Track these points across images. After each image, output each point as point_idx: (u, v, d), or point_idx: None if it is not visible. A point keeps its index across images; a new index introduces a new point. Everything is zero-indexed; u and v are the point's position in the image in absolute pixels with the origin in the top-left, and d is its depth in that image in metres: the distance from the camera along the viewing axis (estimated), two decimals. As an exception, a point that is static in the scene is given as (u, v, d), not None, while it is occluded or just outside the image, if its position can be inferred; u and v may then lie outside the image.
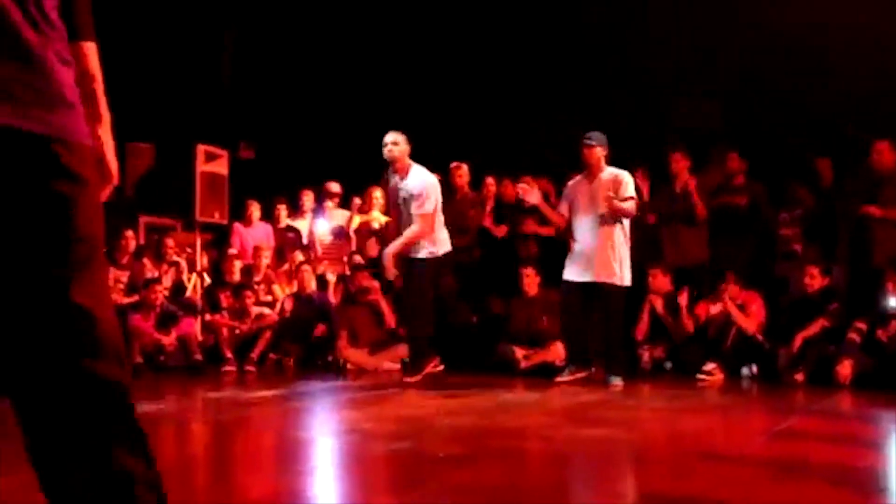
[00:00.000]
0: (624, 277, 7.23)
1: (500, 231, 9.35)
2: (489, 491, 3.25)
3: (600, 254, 7.16)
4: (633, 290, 7.75)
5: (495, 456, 4.05)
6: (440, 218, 7.51)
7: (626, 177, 7.27)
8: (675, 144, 8.71)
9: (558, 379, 7.29)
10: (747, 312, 7.79)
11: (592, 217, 7.23)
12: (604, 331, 7.30)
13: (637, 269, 7.67)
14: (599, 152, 7.28)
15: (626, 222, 7.29)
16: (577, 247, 7.33)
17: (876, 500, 3.25)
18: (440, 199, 7.54)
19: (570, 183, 7.62)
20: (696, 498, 3.16)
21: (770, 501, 3.15)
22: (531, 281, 8.45)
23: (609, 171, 7.31)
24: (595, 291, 7.22)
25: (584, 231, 7.27)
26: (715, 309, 7.98)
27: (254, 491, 3.55)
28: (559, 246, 8.05)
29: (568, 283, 7.35)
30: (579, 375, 7.25)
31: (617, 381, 7.04)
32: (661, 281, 8.26)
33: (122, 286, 9.20)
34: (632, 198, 7.24)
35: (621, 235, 7.24)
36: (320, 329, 9.19)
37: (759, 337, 7.75)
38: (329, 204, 10.47)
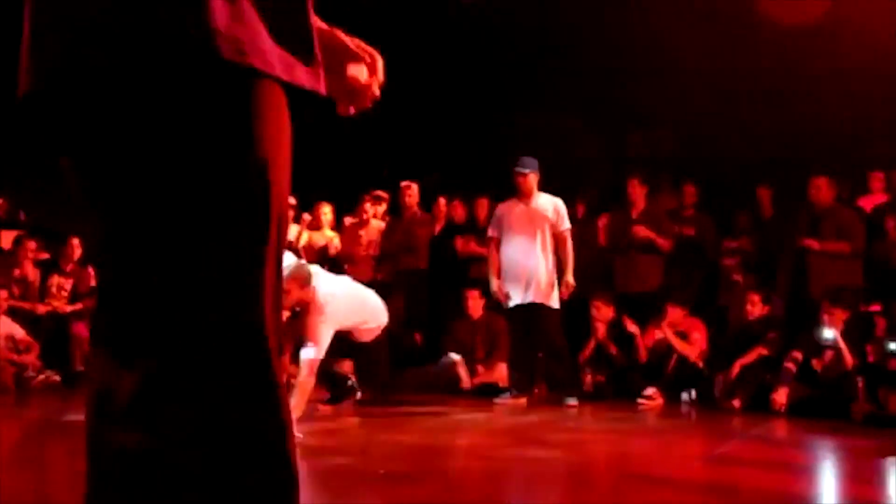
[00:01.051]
0: (555, 300, 7.40)
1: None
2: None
3: (539, 276, 7.30)
4: (579, 311, 7.94)
5: (436, 474, 4.09)
6: None
7: (562, 207, 7.51)
8: (632, 171, 8.82)
9: (497, 401, 7.36)
10: (690, 339, 7.91)
11: (529, 239, 7.36)
12: (548, 352, 7.42)
13: (583, 294, 7.85)
14: (532, 179, 7.46)
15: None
16: (511, 269, 7.42)
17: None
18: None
19: (501, 206, 7.74)
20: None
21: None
22: (475, 303, 8.53)
23: (545, 199, 7.51)
24: (533, 313, 7.33)
25: (519, 253, 7.38)
26: (657, 335, 8.09)
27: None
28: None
29: (511, 310, 7.46)
30: (520, 400, 7.34)
31: (572, 401, 7.15)
32: (604, 311, 8.36)
33: (65, 293, 9.11)
34: (569, 229, 7.50)
35: (552, 259, 7.41)
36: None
37: (700, 363, 7.88)
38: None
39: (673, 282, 8.48)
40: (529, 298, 7.31)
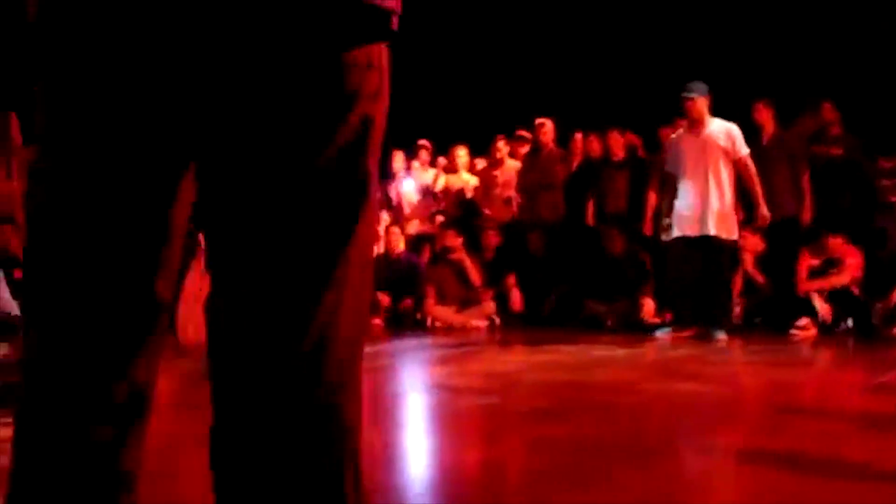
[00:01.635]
0: (734, 231, 7.17)
1: None
2: (574, 443, 3.24)
3: (715, 208, 7.04)
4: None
5: (582, 410, 4.04)
6: None
7: (736, 131, 7.15)
8: (759, 95, 8.42)
9: (658, 335, 7.26)
10: (845, 265, 7.59)
11: (704, 171, 7.10)
12: (710, 285, 7.20)
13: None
14: (702, 104, 7.13)
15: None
16: (686, 203, 7.20)
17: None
18: None
19: (673, 137, 7.51)
20: (787, 452, 3.11)
21: (861, 456, 3.08)
22: (615, 240, 8.39)
23: (718, 124, 7.16)
24: (705, 246, 7.12)
25: (695, 186, 7.14)
26: (812, 262, 7.80)
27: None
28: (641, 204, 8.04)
29: (678, 239, 7.26)
30: (684, 334, 7.19)
31: (721, 336, 6.96)
32: (751, 241, 8.09)
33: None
34: (748, 155, 7.15)
35: (731, 189, 7.13)
36: (407, 290, 9.24)
37: (856, 291, 7.56)
38: (416, 164, 10.52)
39: (820, 205, 8.12)
40: (703, 231, 7.09)
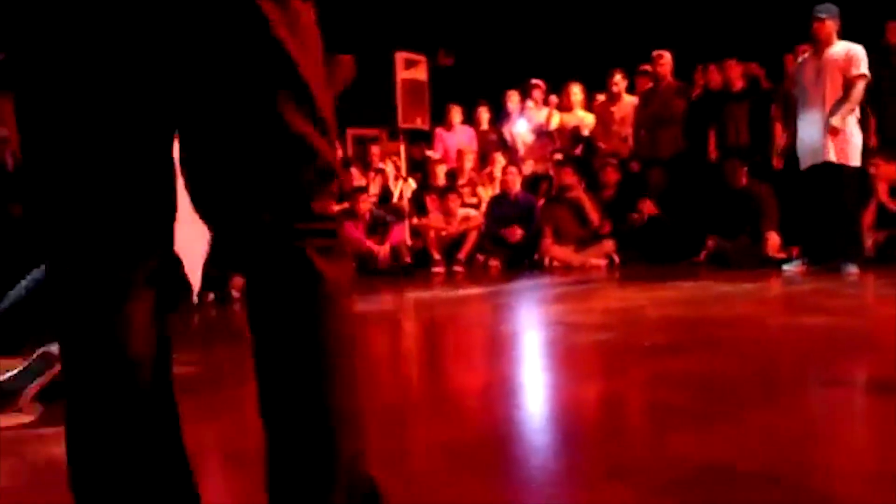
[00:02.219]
0: (856, 157, 6.84)
1: None
2: (698, 379, 3.15)
3: (832, 133, 6.76)
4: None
5: (703, 344, 3.93)
6: None
7: (858, 51, 6.78)
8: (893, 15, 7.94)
9: (786, 269, 7.04)
10: None
11: (822, 95, 6.82)
12: (836, 216, 6.90)
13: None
14: (830, 26, 6.84)
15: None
16: (806, 130, 6.96)
17: None
18: None
19: (799, 60, 7.24)
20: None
21: None
22: (737, 173, 8.11)
23: (840, 46, 6.85)
24: (827, 175, 6.84)
25: (814, 111, 6.88)
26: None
27: (466, 379, 3.62)
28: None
29: (802, 170, 7.02)
30: (812, 268, 6.95)
31: (852, 269, 6.69)
32: (884, 169, 7.71)
33: (332, 195, 9.50)
34: (862, 76, 6.76)
35: (852, 113, 6.81)
36: (524, 230, 9.15)
37: None
38: (530, 103, 10.38)
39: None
40: (823, 159, 6.82)
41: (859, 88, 6.76)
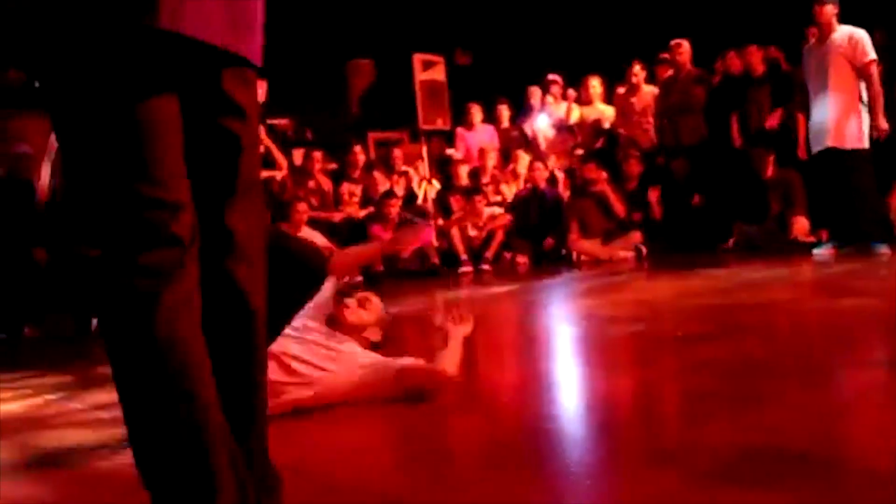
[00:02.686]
0: (862, 138, 6.79)
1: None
2: (735, 365, 3.15)
3: (834, 118, 6.76)
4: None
5: (740, 331, 3.92)
6: None
7: (862, 36, 6.77)
8: None
9: (816, 253, 7.01)
10: None
11: (824, 80, 6.82)
12: (851, 198, 6.87)
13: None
14: (830, 10, 6.82)
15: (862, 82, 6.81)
16: (814, 115, 6.97)
17: None
18: None
19: (806, 47, 7.21)
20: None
21: None
22: (763, 158, 8.08)
23: (842, 31, 6.83)
24: (834, 158, 6.82)
25: (819, 96, 6.88)
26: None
27: (500, 374, 3.64)
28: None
29: (817, 154, 7.01)
30: (843, 251, 6.93)
31: (883, 249, 6.65)
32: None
33: (356, 199, 9.55)
34: (873, 61, 6.74)
35: (854, 97, 6.78)
36: (552, 226, 9.16)
37: None
38: (549, 99, 10.39)
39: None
40: (827, 144, 6.82)
41: (875, 74, 6.75)
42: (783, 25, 8.84)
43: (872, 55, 6.76)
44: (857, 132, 6.78)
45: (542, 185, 9.43)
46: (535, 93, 10.49)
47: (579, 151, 9.73)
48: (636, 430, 2.49)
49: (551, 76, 10.45)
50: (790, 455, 2.02)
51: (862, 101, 6.82)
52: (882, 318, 4.00)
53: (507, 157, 10.42)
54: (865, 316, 4.12)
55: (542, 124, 10.34)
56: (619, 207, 8.77)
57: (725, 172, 8.53)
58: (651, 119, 9.27)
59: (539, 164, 9.59)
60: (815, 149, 6.98)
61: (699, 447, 2.15)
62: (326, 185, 9.49)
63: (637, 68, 9.39)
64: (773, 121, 8.09)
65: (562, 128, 10.18)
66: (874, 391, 2.68)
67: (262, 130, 9.34)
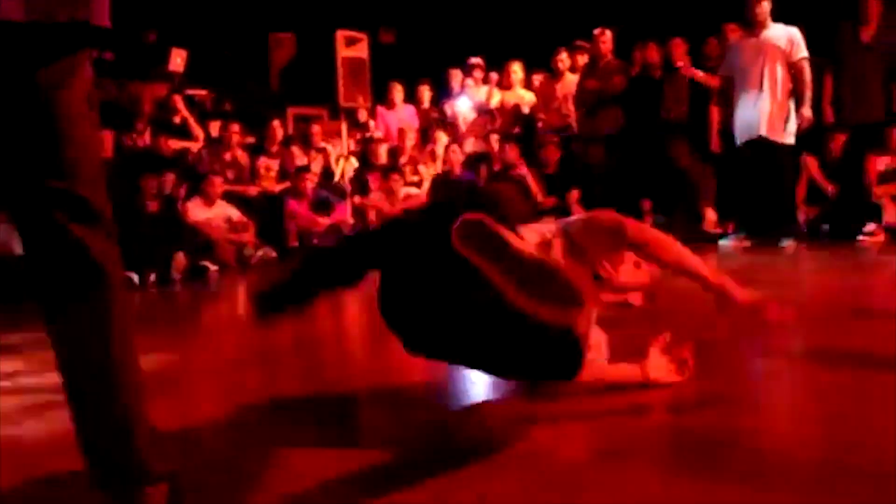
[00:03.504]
0: (791, 135, 7.07)
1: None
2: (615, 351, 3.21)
3: (769, 110, 7.00)
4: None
5: (644, 320, 3.99)
6: None
7: (798, 34, 7.07)
8: None
9: (722, 244, 7.21)
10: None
11: (760, 74, 7.05)
12: (772, 191, 7.11)
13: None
14: (766, 7, 7.06)
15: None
16: (742, 107, 7.18)
17: None
18: None
19: (734, 39, 7.42)
20: (855, 352, 3.08)
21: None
22: (678, 149, 8.25)
23: (778, 28, 7.11)
24: (763, 149, 7.01)
25: (751, 89, 7.10)
26: (880, 165, 7.61)
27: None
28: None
29: (739, 146, 7.26)
30: (746, 244, 7.14)
31: (788, 242, 6.89)
32: (836, 143, 7.94)
33: (273, 174, 9.47)
34: (806, 58, 7.05)
35: (787, 92, 7.06)
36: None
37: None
38: (469, 81, 10.43)
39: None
40: (758, 134, 7.05)
41: (808, 71, 7.00)
42: (693, 21, 9.04)
43: (806, 53, 7.04)
44: (788, 127, 7.04)
45: (458, 169, 9.48)
46: (457, 75, 10.52)
47: (494, 136, 9.79)
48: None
49: (473, 59, 10.49)
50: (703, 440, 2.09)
51: (792, 97, 7.05)
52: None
53: (426, 137, 10.43)
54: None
55: (462, 107, 10.37)
56: (537, 192, 8.86)
57: (640, 162, 8.68)
58: (572, 107, 9.36)
59: (455, 148, 9.63)
60: (742, 139, 7.17)
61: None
62: (243, 158, 9.37)
63: (563, 55, 9.48)
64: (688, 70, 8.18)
65: (482, 111, 10.24)
66: (775, 379, 2.77)
67: (179, 100, 9.20)
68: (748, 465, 1.90)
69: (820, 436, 2.15)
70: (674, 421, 2.30)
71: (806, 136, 7.97)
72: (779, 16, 7.20)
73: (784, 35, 7.05)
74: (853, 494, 1.71)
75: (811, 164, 8.00)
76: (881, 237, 7.30)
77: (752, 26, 7.16)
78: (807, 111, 7.07)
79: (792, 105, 7.10)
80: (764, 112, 7.00)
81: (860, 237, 7.32)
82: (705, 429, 2.18)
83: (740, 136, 7.19)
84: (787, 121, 7.07)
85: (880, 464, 1.85)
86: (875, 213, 7.47)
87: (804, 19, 7.50)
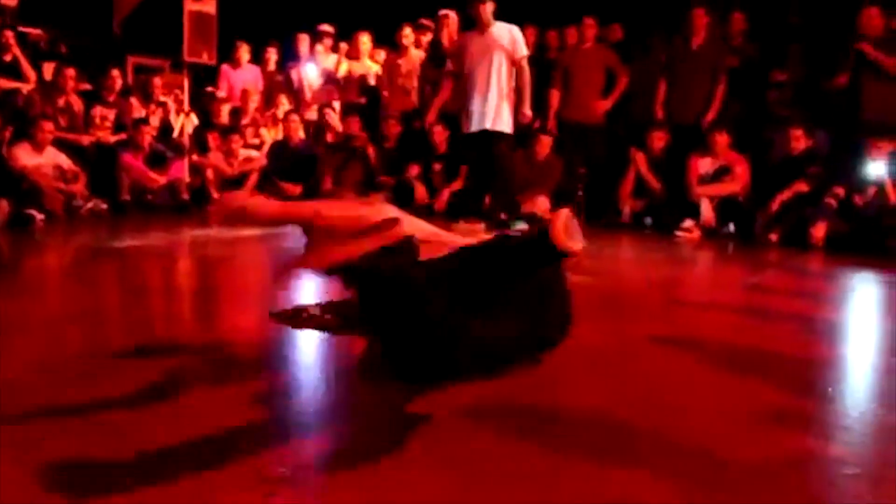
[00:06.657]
0: (511, 124, 7.49)
1: None
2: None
3: (495, 103, 7.39)
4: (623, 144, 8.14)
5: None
6: None
7: (519, 33, 7.47)
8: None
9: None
10: (735, 174, 7.87)
11: (487, 68, 7.38)
12: (494, 177, 7.60)
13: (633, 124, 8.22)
14: (489, 8, 7.41)
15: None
16: (476, 99, 7.47)
17: (832, 346, 3.43)
18: None
19: (459, 36, 7.88)
20: (680, 338, 3.33)
21: (747, 343, 3.31)
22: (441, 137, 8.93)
23: (501, 26, 7.46)
24: (487, 139, 7.44)
25: (479, 83, 7.42)
26: (701, 167, 8.04)
27: (238, 320, 3.70)
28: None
29: (468, 136, 7.59)
30: (476, 226, 7.51)
31: (521, 225, 7.28)
32: (658, 142, 8.36)
33: (109, 124, 9.19)
34: (525, 56, 7.47)
35: (507, 86, 7.44)
36: (305, 178, 9.20)
37: (741, 198, 7.87)
38: (320, 48, 10.38)
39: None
40: (483, 126, 7.41)
41: (527, 69, 7.47)
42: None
43: (526, 51, 7.52)
44: (509, 118, 7.47)
45: (296, 138, 9.49)
46: (305, 40, 10.44)
47: (338, 105, 9.84)
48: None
49: (324, 27, 10.45)
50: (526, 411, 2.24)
51: (514, 93, 7.51)
52: (604, 295, 4.39)
53: (269, 100, 10.35)
54: (589, 292, 4.46)
55: (310, 73, 10.33)
56: (375, 166, 8.94)
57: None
58: (415, 83, 9.46)
59: (294, 117, 9.61)
60: (474, 129, 7.49)
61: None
62: (77, 105, 9.04)
63: (407, 31, 9.57)
64: None
65: (328, 80, 10.22)
66: (576, 355, 2.94)
67: (11, 37, 8.78)
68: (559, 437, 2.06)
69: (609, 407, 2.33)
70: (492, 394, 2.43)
71: (636, 131, 8.49)
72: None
73: (507, 34, 7.43)
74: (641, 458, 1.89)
75: (640, 159, 8.39)
76: (697, 234, 7.75)
77: (479, 25, 7.48)
78: (527, 110, 7.51)
79: (509, 98, 7.50)
80: (491, 106, 7.39)
81: (678, 233, 7.74)
82: (530, 404, 2.33)
83: (473, 126, 7.50)
84: (508, 113, 7.48)
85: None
86: (694, 212, 7.90)
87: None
